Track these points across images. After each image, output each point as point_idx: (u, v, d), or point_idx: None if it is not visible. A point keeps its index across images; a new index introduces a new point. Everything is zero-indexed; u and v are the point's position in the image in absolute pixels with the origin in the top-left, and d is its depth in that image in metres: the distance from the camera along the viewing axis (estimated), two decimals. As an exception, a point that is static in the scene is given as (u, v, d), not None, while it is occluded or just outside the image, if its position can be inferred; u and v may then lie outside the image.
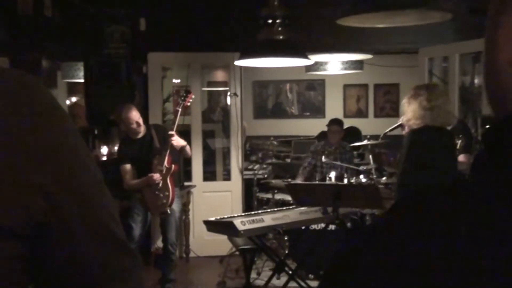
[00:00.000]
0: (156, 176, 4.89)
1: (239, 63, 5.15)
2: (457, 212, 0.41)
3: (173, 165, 4.94)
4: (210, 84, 9.07)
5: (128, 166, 5.02)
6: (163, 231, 5.13)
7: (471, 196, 0.42)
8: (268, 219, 4.24)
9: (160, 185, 4.91)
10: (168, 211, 4.96)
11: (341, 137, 6.47)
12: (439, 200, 0.44)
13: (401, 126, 4.01)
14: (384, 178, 6.00)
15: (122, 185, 5.01)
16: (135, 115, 4.91)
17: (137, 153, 4.97)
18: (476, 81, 7.49)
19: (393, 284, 0.40)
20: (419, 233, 0.41)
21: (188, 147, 5.12)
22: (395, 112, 9.68)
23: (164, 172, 4.91)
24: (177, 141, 4.91)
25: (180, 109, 5.01)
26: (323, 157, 6.22)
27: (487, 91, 0.53)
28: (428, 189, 0.45)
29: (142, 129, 5.00)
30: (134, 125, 4.91)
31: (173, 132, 4.87)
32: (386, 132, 4.56)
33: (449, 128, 3.92)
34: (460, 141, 4.13)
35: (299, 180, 6.29)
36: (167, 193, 4.93)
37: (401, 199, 0.47)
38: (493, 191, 0.42)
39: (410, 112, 3.67)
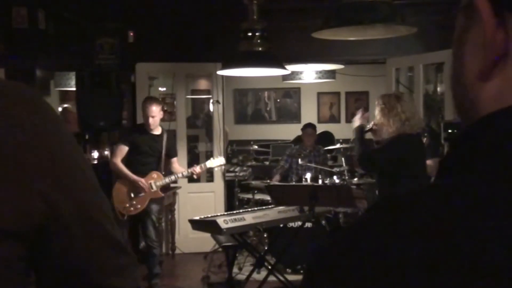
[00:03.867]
0: (146, 186, 4.85)
1: (221, 72, 5.15)
2: (436, 214, 0.41)
3: (162, 194, 4.94)
4: (194, 92, 9.04)
5: (125, 148, 4.92)
6: (142, 230, 5.13)
7: (447, 199, 0.42)
8: (249, 217, 4.23)
9: (140, 195, 4.88)
10: (125, 217, 4.88)
11: (314, 139, 6.53)
12: (419, 202, 0.44)
13: (371, 130, 4.02)
14: (355, 179, 6.04)
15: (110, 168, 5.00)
16: (155, 110, 4.88)
17: (145, 144, 4.93)
18: (439, 89, 7.56)
19: (375, 284, 0.40)
20: (399, 234, 0.41)
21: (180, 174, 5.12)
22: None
23: (153, 190, 4.88)
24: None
25: None
26: (299, 160, 6.24)
27: (455, 101, 0.53)
28: (407, 191, 0.45)
29: (159, 128, 5.00)
30: (150, 120, 4.88)
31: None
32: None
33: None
34: (425, 139, 4.16)
35: (275, 179, 6.30)
36: (138, 206, 4.88)
37: (381, 201, 0.47)
38: (462, 193, 0.42)
39: (387, 125, 3.66)
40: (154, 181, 4.88)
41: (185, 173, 5.03)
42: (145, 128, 4.98)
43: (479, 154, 0.45)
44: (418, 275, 0.39)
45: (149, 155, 4.95)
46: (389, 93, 4.12)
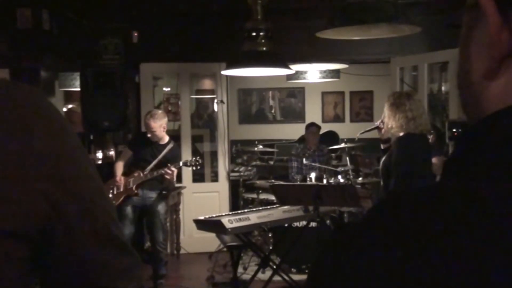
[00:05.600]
0: (119, 183, 4.99)
1: (225, 72, 5.15)
2: (440, 214, 0.41)
3: (135, 192, 4.97)
4: (198, 92, 9.05)
5: (129, 152, 5.18)
6: (149, 231, 5.13)
7: (451, 199, 0.42)
8: (254, 217, 4.23)
9: (118, 191, 5.02)
10: None
11: (318, 138, 6.55)
12: (423, 202, 0.43)
13: (377, 128, 4.00)
14: (360, 178, 6.04)
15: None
16: (153, 126, 4.93)
17: (147, 153, 5.02)
18: (443, 88, 7.54)
19: (377, 283, 0.40)
20: (403, 234, 0.41)
21: (173, 181, 5.12)
22: (369, 117, 9.74)
23: (129, 187, 4.98)
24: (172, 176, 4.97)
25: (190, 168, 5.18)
26: (304, 159, 6.25)
27: (461, 99, 0.53)
28: (411, 190, 0.45)
29: (165, 138, 5.05)
30: (150, 134, 4.99)
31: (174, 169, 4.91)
32: (362, 133, 4.52)
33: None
34: (431, 137, 4.14)
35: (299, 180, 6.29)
36: (113, 202, 4.98)
37: (385, 200, 0.47)
38: (467, 193, 0.42)
39: (393, 121, 3.64)
40: (134, 179, 5.00)
41: (155, 173, 4.95)
42: (150, 138, 5.05)
43: (485, 153, 0.45)
44: (420, 275, 0.39)
45: (149, 163, 5.00)
46: (401, 91, 4.09)
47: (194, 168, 5.27)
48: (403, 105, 3.60)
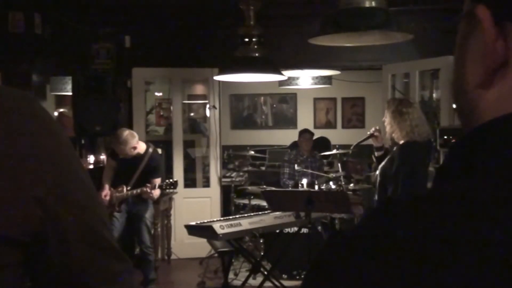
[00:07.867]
0: (106, 196, 4.90)
1: (218, 78, 5.15)
2: (438, 219, 0.41)
3: (117, 209, 4.93)
4: (190, 97, 9.05)
5: (111, 161, 5.10)
6: (137, 235, 5.11)
7: (448, 204, 0.42)
8: (245, 223, 4.23)
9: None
10: None
11: (311, 145, 6.55)
12: (420, 208, 0.44)
13: (372, 136, 4.00)
14: (351, 185, 6.05)
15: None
16: (121, 149, 4.85)
17: (123, 166, 4.96)
18: (434, 95, 7.58)
19: None
20: (401, 240, 0.41)
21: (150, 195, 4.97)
22: (361, 123, 9.79)
23: (112, 203, 4.93)
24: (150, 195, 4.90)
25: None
26: (295, 165, 6.25)
27: (456, 106, 0.54)
28: (407, 196, 0.45)
29: (142, 148, 4.96)
30: (121, 156, 4.92)
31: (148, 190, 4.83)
32: (359, 143, 4.46)
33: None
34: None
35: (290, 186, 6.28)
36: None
37: (381, 206, 0.47)
38: (463, 198, 0.42)
39: (397, 128, 3.62)
40: (117, 196, 4.96)
41: (135, 191, 4.90)
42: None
43: (480, 160, 0.45)
44: (420, 281, 0.39)
45: (127, 175, 4.97)
46: (400, 98, 4.08)
47: (169, 190, 5.17)
48: (406, 113, 3.59)
